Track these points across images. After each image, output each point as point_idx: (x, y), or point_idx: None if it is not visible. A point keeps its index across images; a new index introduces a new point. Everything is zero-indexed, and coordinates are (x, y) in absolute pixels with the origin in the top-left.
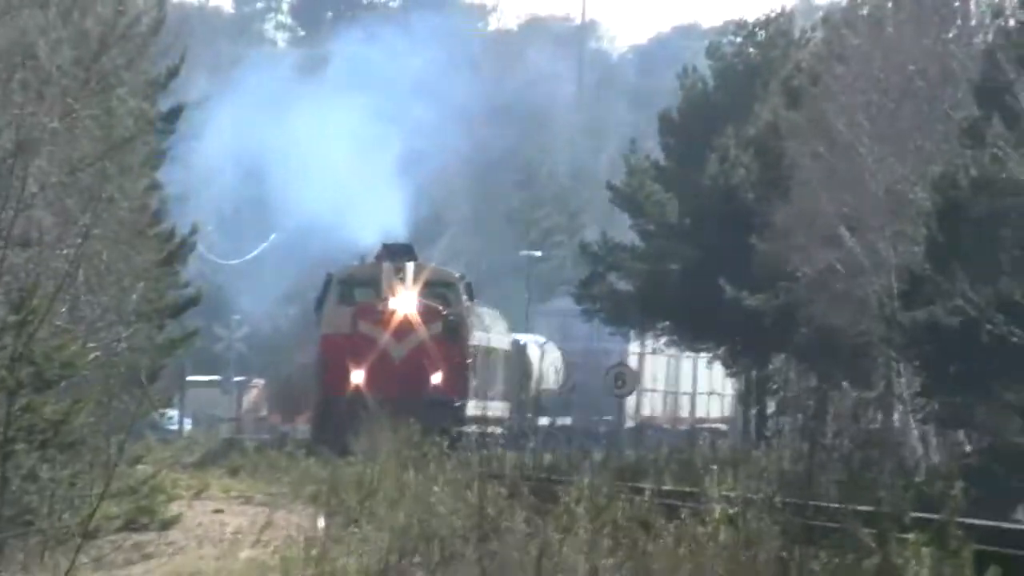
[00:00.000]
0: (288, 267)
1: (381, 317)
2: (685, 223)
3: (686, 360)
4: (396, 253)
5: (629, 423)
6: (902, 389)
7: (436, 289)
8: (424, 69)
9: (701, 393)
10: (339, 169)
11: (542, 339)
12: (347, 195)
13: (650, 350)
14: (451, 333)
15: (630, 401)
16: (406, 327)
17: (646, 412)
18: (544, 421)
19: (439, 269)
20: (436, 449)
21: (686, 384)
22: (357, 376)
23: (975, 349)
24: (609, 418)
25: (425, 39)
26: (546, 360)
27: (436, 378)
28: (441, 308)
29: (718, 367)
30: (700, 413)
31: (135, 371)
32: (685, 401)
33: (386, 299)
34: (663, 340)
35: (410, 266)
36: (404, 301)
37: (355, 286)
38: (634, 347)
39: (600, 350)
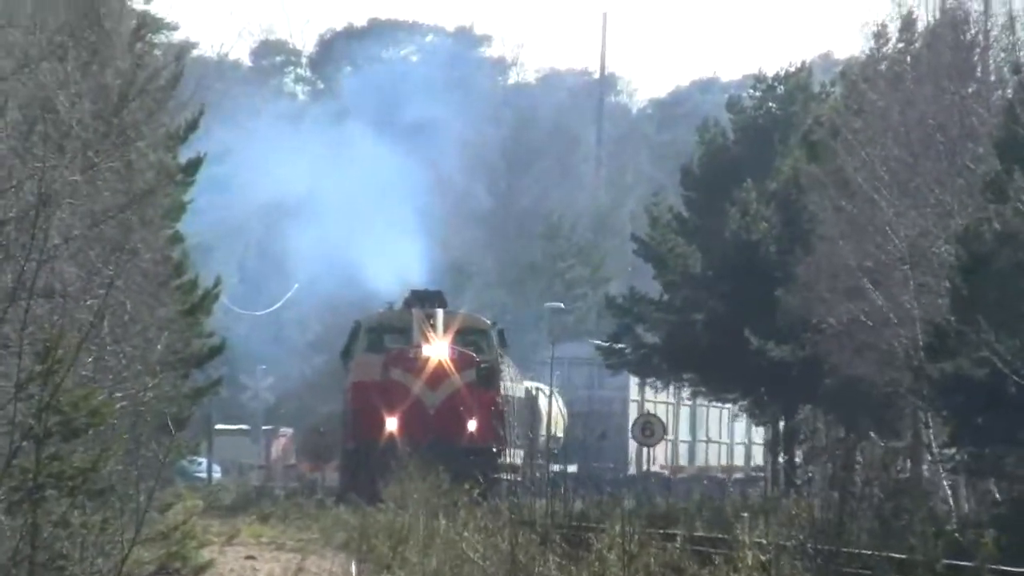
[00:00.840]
0: (311, 317)
1: (414, 364)
2: (708, 275)
3: (684, 407)
4: (425, 300)
5: (631, 470)
6: (930, 439)
7: (468, 336)
8: (444, 122)
9: (713, 441)
10: (360, 220)
11: (545, 386)
12: (369, 246)
13: (651, 397)
14: (485, 380)
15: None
16: (440, 374)
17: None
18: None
19: (471, 316)
20: (466, 496)
21: (684, 431)
22: (391, 423)
23: (1001, 399)
24: (611, 465)
25: (445, 91)
26: (553, 407)
27: (472, 426)
28: (475, 355)
29: (723, 413)
30: (712, 461)
31: (162, 419)
32: (684, 448)
33: (419, 346)
34: (690, 391)
35: (440, 313)
36: (437, 348)
37: (384, 333)
38: (634, 394)
39: (600, 397)
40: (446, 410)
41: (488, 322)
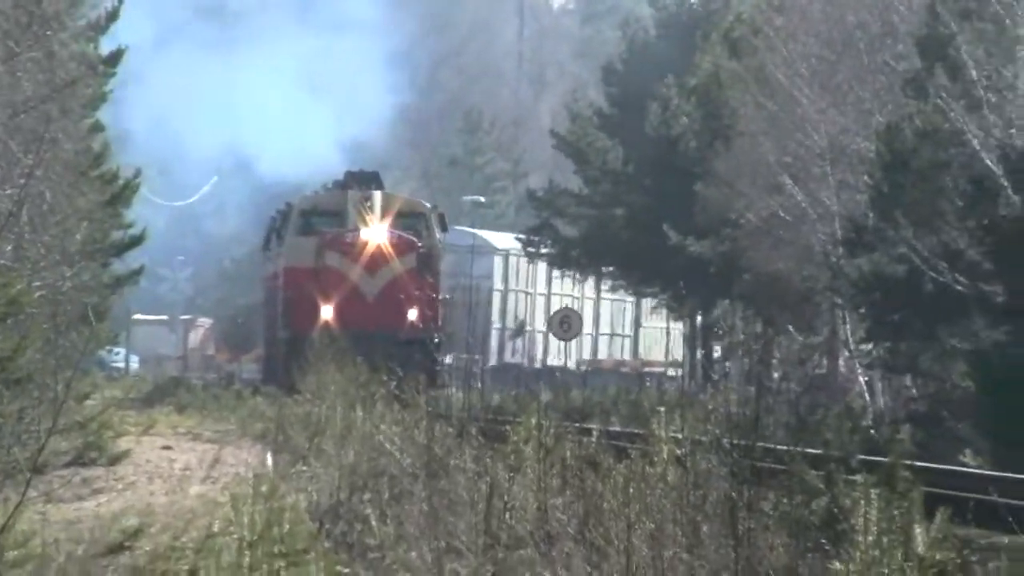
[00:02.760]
0: (229, 208)
1: (351, 249)
2: (629, 170)
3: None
4: (361, 181)
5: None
6: (847, 335)
7: (407, 220)
8: (363, 15)
9: (604, 334)
10: (278, 113)
11: None
12: (287, 139)
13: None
14: (425, 266)
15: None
16: (379, 259)
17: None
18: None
19: (410, 199)
20: (383, 388)
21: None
22: (327, 312)
23: (918, 296)
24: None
25: None
26: None
27: (412, 314)
28: (415, 240)
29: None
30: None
31: (82, 309)
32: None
33: (355, 230)
34: (610, 284)
35: (378, 195)
36: (375, 232)
37: (317, 216)
38: (498, 283)
39: (468, 287)
40: (385, 297)
41: (428, 205)
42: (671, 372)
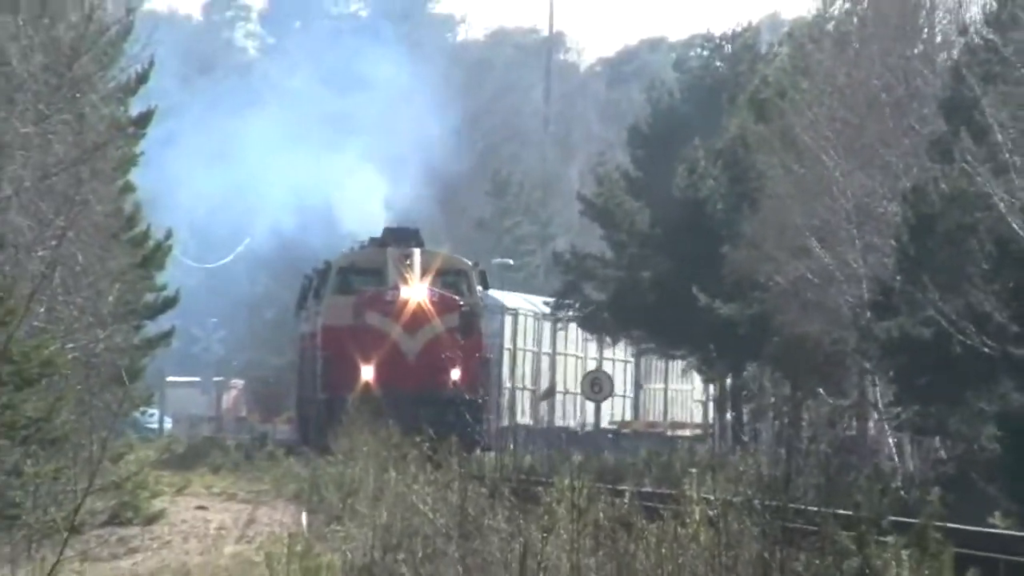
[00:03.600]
0: (262, 271)
1: (391, 308)
2: (656, 233)
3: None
4: (401, 238)
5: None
6: (876, 397)
7: (447, 278)
8: (392, 78)
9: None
10: (309, 176)
11: None
12: (319, 201)
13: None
14: (467, 325)
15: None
16: (419, 318)
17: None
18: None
19: (450, 256)
20: (416, 450)
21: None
22: (367, 372)
23: (947, 359)
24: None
25: (394, 47)
26: None
27: (455, 374)
28: (456, 298)
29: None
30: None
31: (115, 370)
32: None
33: (395, 288)
34: (638, 347)
35: (418, 252)
36: (415, 290)
37: (356, 274)
38: (507, 342)
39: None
40: (426, 357)
41: (469, 263)
42: (686, 433)
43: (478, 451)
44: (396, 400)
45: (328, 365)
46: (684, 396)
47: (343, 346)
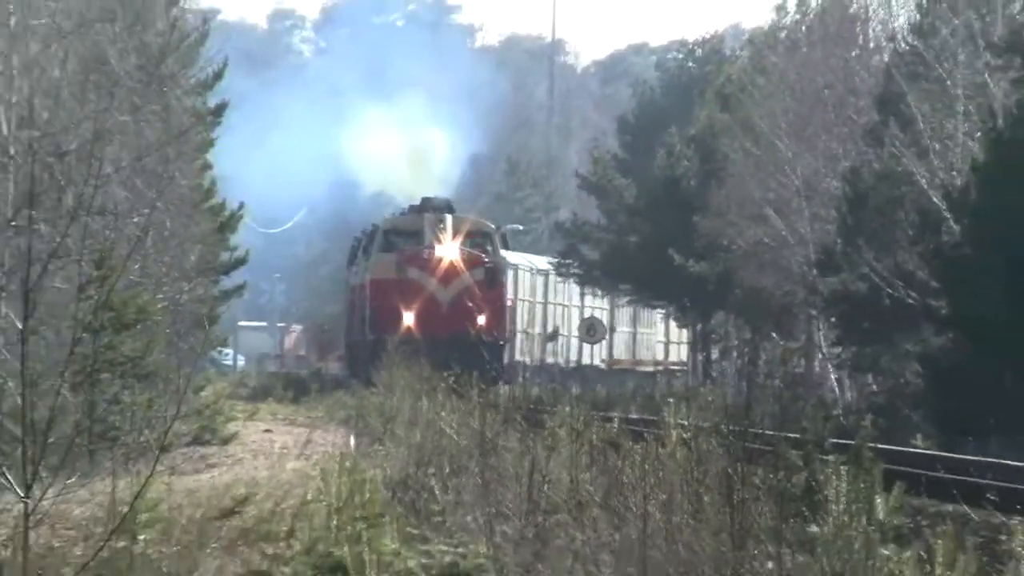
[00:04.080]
0: (316, 235)
1: (428, 264)
2: (640, 204)
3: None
4: (436, 206)
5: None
6: (820, 341)
7: (475, 239)
8: (420, 77)
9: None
10: (361, 156)
11: None
12: (366, 180)
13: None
14: (491, 279)
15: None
16: (452, 273)
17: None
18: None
19: (477, 220)
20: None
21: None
22: (408, 318)
23: (878, 308)
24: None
25: (425, 50)
26: None
27: (481, 320)
28: (482, 255)
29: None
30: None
31: (197, 317)
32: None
33: (431, 247)
34: (626, 299)
35: (450, 217)
36: (448, 249)
37: (398, 235)
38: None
39: None
40: (457, 305)
41: (493, 226)
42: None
43: (499, 384)
44: (432, 341)
45: (375, 312)
46: (649, 338)
47: (388, 296)
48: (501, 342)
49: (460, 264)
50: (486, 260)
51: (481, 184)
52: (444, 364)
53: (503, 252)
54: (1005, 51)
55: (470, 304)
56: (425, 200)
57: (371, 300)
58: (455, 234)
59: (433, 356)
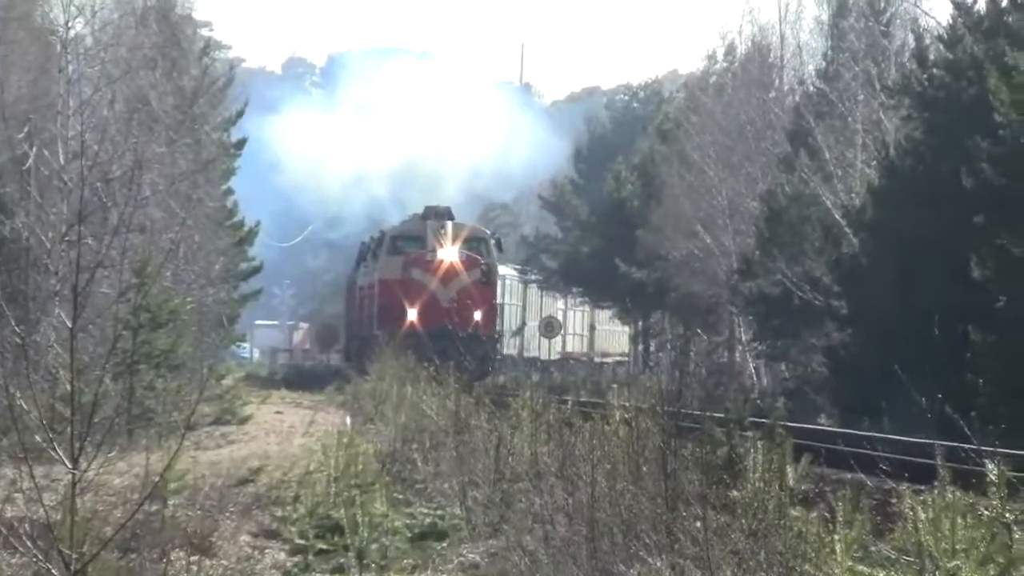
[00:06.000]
0: (321, 248)
1: (431, 265)
2: (592, 221)
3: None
4: (436, 214)
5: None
6: (741, 335)
7: (472, 243)
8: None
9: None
10: (357, 181)
11: None
12: (361, 201)
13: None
14: (486, 280)
15: None
16: (451, 273)
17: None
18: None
19: (474, 226)
20: (423, 371)
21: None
22: (412, 314)
23: (789, 308)
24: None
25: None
26: None
27: (477, 316)
28: (479, 258)
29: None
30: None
31: (219, 317)
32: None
33: (433, 250)
34: (579, 300)
35: (450, 224)
36: (448, 252)
37: (403, 240)
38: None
39: None
40: (456, 303)
41: (488, 232)
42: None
43: (491, 371)
44: (433, 335)
45: (383, 308)
46: (618, 335)
47: (394, 294)
48: (495, 336)
49: (459, 266)
50: (482, 263)
51: (464, 205)
52: (444, 355)
53: (496, 256)
54: (897, 93)
55: (468, 301)
56: (428, 208)
57: (379, 298)
58: (454, 239)
59: (434, 348)
